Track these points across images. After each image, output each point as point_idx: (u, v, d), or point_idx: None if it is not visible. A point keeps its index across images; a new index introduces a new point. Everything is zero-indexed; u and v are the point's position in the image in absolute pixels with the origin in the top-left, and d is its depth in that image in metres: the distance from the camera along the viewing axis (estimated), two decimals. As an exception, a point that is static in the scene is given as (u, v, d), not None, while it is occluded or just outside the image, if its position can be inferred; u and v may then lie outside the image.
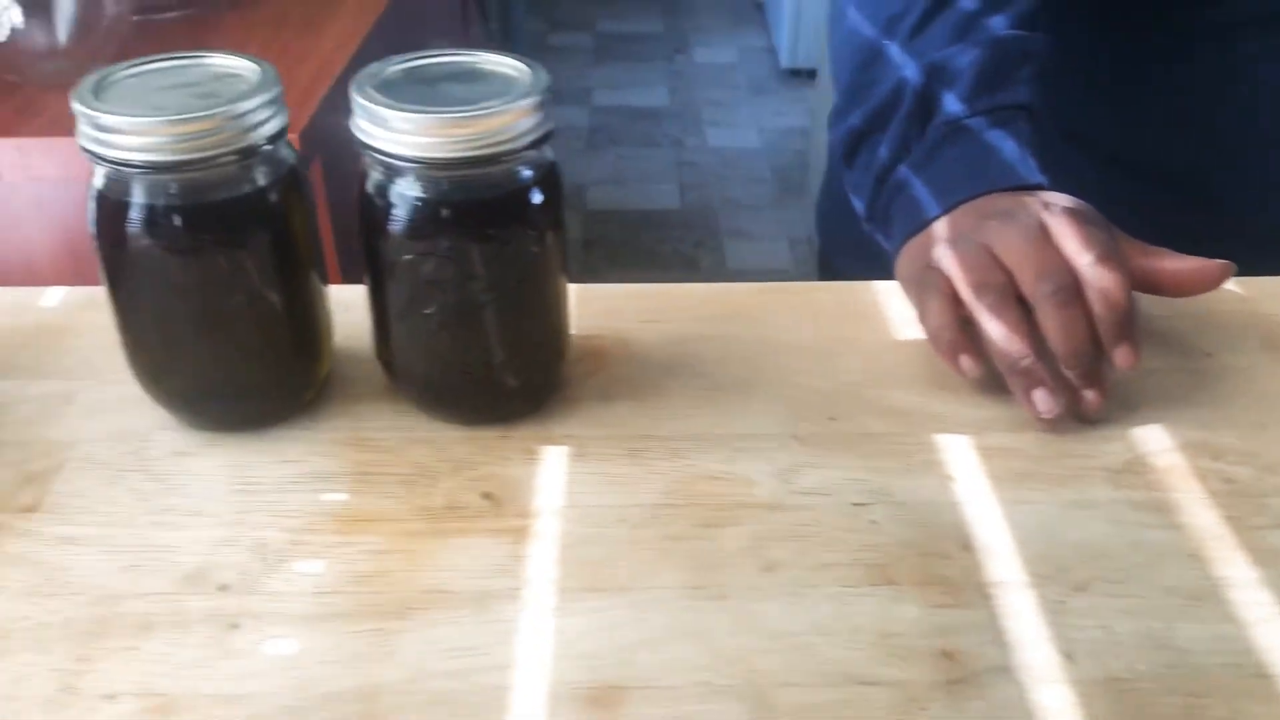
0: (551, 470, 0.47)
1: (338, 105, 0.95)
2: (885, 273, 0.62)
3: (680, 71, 3.41)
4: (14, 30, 0.89)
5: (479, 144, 0.43)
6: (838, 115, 0.66)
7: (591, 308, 0.57)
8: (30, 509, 0.45)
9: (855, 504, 0.45)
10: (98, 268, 0.47)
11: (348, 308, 0.52)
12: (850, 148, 0.65)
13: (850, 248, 0.92)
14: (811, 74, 3.17)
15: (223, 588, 0.42)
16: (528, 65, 0.46)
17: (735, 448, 0.48)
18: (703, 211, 2.64)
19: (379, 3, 1.16)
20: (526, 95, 0.44)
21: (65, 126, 0.89)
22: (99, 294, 0.59)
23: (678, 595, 0.41)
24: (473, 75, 0.46)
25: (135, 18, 1.02)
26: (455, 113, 0.43)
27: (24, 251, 0.93)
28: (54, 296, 0.59)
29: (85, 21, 0.95)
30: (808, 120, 3.07)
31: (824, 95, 2.44)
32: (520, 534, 0.44)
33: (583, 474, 0.47)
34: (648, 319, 0.57)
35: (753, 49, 3.58)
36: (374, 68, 0.46)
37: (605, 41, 3.63)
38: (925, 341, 0.53)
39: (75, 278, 0.94)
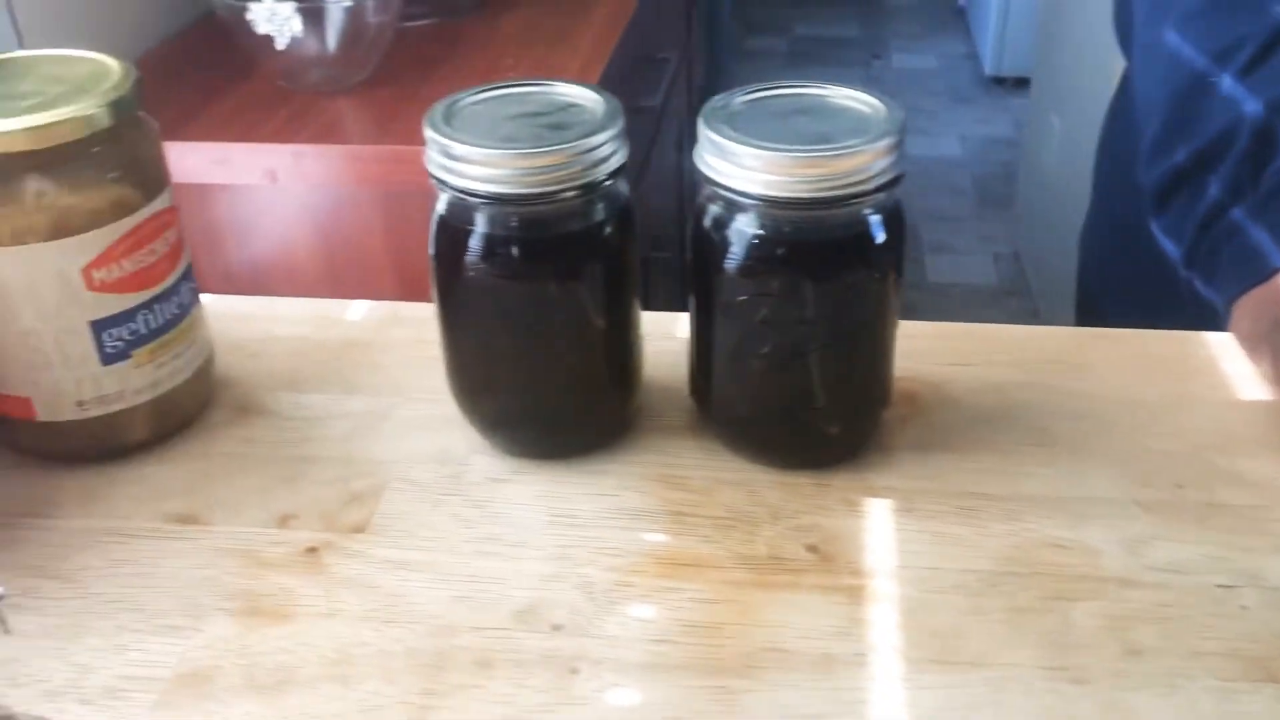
0: (877, 525, 0.45)
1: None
2: (1163, 321, 0.57)
3: (878, 77, 3.35)
4: (291, 39, 0.92)
5: (830, 185, 0.41)
6: (1157, 152, 0.62)
7: (894, 346, 0.55)
8: (359, 529, 0.46)
9: (1220, 585, 0.42)
10: (430, 288, 0.47)
11: (646, 336, 0.51)
12: (1167, 187, 0.61)
13: (1123, 292, 0.86)
14: (1017, 82, 3.06)
15: (557, 627, 0.41)
16: (881, 101, 0.44)
17: (1076, 513, 0.45)
18: (901, 222, 2.57)
19: (624, 14, 1.16)
20: (883, 135, 0.42)
21: (336, 134, 0.92)
22: (402, 309, 0.60)
23: (1035, 676, 0.39)
24: (822, 110, 0.45)
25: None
26: (808, 152, 0.41)
27: (287, 253, 0.96)
28: (358, 310, 0.60)
29: (352, 31, 0.97)
30: (1012, 130, 2.97)
31: (1038, 106, 2.34)
32: (855, 594, 0.42)
33: (911, 532, 0.45)
34: (957, 361, 0.54)
35: (954, 55, 3.48)
36: (720, 100, 0.44)
37: (801, 45, 3.59)
38: (1277, 405, 0.49)
39: (332, 281, 0.97)
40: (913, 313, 0.49)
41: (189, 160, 0.92)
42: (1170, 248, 0.61)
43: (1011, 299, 2.28)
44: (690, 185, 1.81)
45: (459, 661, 0.40)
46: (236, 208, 0.97)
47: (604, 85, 0.47)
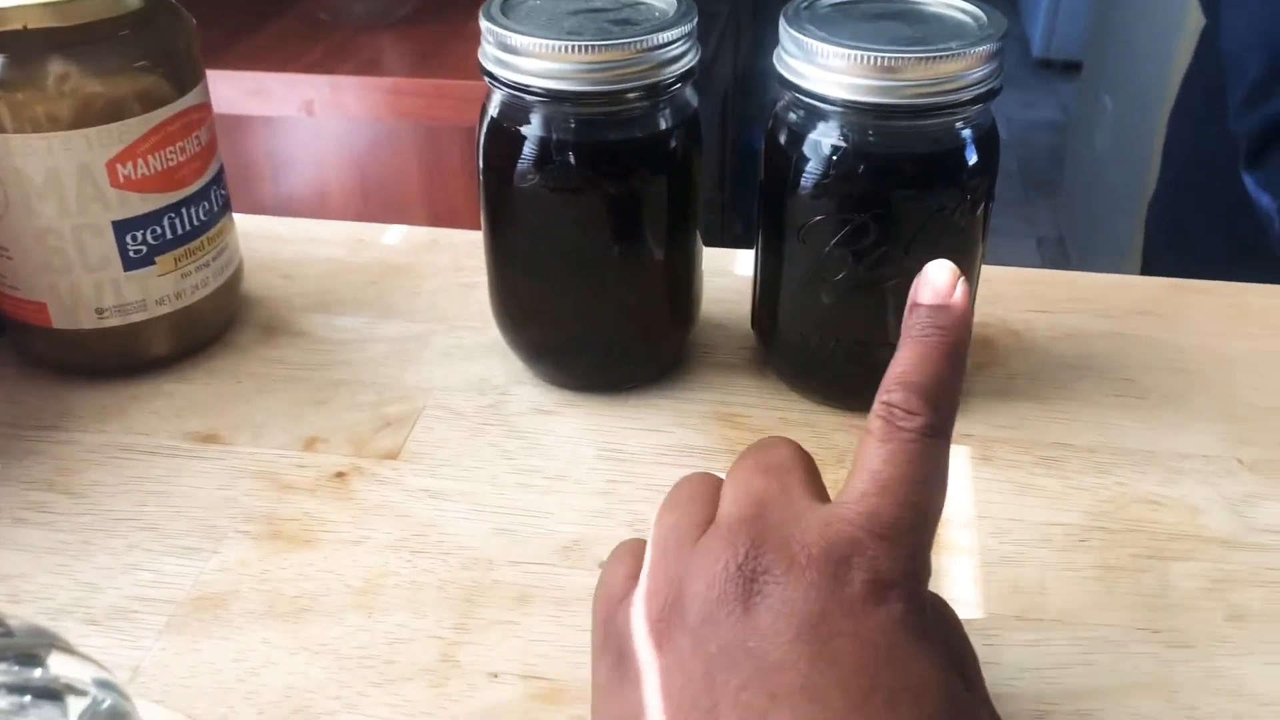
0: (953, 473, 0.41)
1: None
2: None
3: (923, 56, 3.28)
4: (334, -33, 0.89)
5: (922, 90, 0.38)
6: (1253, 100, 0.58)
7: (967, 292, 0.51)
8: (390, 456, 0.42)
9: (1334, 551, 0.38)
10: (479, 203, 0.44)
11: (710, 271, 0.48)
12: (1265, 137, 0.57)
13: (1193, 259, 0.82)
14: (1066, 66, 3.00)
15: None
16: (979, 9, 0.40)
17: (1171, 468, 0.41)
18: (943, 203, 2.52)
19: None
20: (983, 41, 0.38)
21: (376, 67, 0.89)
22: (441, 235, 0.56)
23: (1129, 638, 0.35)
24: (915, 15, 0.41)
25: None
26: (899, 52, 0.37)
27: (319, 185, 0.93)
28: (395, 234, 0.57)
29: (397, -38, 0.94)
30: (1059, 114, 2.90)
31: (1090, 86, 2.28)
32: (928, 542, 0.38)
33: (990, 480, 0.41)
34: (1036, 308, 0.50)
35: (1002, 37, 3.40)
36: (803, 1, 0.41)
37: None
38: (1389, 364, 0.45)
39: (364, 218, 0.93)
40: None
41: (224, 90, 0.88)
42: (1267, 201, 0.57)
43: (1054, 284, 2.23)
44: (733, 157, 1.77)
45: (494, 596, 0.37)
46: (271, 140, 0.94)
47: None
